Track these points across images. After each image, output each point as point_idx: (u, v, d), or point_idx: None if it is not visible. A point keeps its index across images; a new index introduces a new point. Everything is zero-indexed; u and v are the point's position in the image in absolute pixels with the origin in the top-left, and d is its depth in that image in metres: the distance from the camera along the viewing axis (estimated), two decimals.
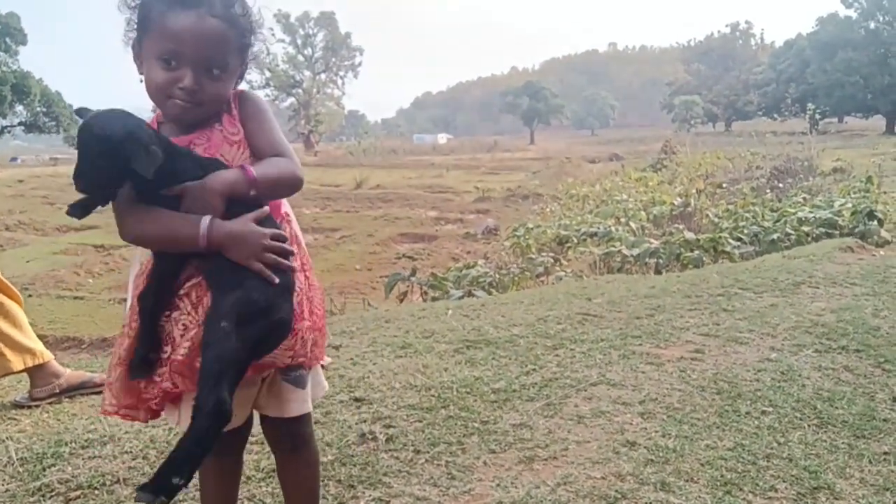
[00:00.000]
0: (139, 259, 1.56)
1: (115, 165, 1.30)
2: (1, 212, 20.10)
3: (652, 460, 2.31)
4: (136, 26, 1.47)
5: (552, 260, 8.14)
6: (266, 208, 1.45)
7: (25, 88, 48.17)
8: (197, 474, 1.45)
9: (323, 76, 69.48)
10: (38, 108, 50.98)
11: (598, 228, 9.82)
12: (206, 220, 1.38)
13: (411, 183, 26.65)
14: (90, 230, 18.17)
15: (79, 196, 1.38)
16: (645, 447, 2.40)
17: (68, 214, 1.41)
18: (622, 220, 11.17)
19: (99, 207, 1.42)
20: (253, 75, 1.56)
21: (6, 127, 52.31)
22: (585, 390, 2.93)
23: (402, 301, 6.94)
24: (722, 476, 2.22)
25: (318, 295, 1.58)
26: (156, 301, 1.43)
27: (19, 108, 49.92)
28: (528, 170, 33.20)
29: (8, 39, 47.31)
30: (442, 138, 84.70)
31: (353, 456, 2.37)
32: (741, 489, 2.15)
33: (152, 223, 1.41)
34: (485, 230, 16.96)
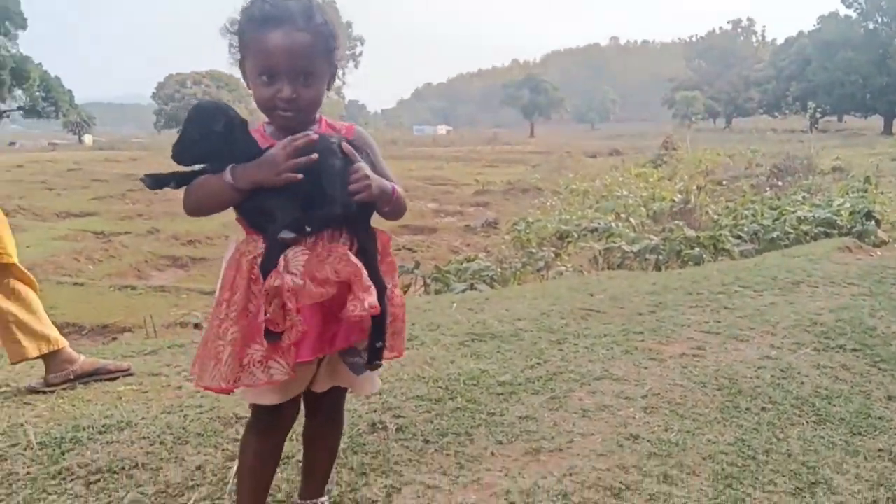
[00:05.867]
0: (234, 241, 1.67)
1: (217, 139, 1.52)
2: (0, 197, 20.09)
3: (655, 453, 2.37)
4: (238, 50, 1.63)
5: (553, 254, 8.19)
6: (288, 138, 1.55)
7: (25, 73, 47.91)
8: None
9: None
10: (38, 93, 50.75)
11: (599, 224, 9.89)
12: (228, 167, 1.55)
13: (411, 174, 26.61)
14: (90, 217, 18.20)
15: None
16: (648, 441, 2.46)
17: (141, 180, 1.60)
18: (622, 215, 11.23)
19: (168, 189, 1.62)
20: None
21: (4, 111, 52.09)
22: (589, 384, 2.99)
23: (405, 293, 6.98)
24: (723, 470, 2.28)
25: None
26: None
27: (18, 92, 49.66)
28: (528, 163, 33.23)
29: (7, 23, 47.00)
30: (442, 130, 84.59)
31: (364, 445, 2.42)
32: (741, 483, 2.21)
33: (195, 191, 1.60)
34: (483, 223, 17.01)
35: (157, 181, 1.59)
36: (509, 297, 4.80)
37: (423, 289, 7.24)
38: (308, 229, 1.58)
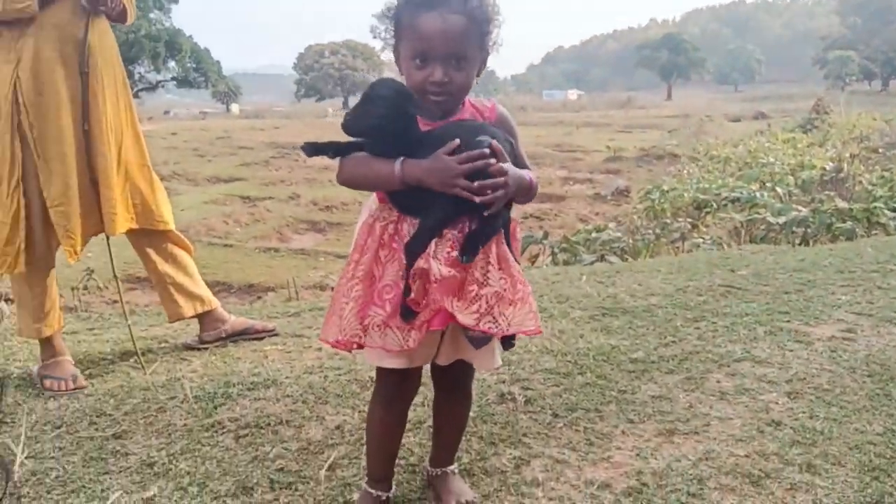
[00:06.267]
0: (367, 207, 1.73)
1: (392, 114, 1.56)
2: (157, 162, 21.49)
3: (798, 441, 2.26)
4: (393, 35, 1.68)
5: (689, 226, 7.88)
6: (457, 140, 1.55)
7: (177, 45, 50.85)
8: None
9: None
10: (189, 64, 53.84)
11: (741, 193, 9.35)
12: (399, 159, 1.57)
13: (540, 141, 26.23)
14: (238, 182, 19.28)
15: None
16: (791, 427, 2.35)
17: (301, 148, 1.68)
18: (767, 184, 10.60)
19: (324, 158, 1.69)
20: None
21: (160, 82, 55.75)
22: (728, 366, 2.88)
23: (533, 263, 6.97)
24: (870, 461, 2.15)
25: (512, 266, 1.65)
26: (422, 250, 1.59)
27: (171, 63, 52.85)
28: (663, 128, 31.91)
29: None
30: (573, 94, 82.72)
31: (493, 415, 2.46)
32: (889, 475, 2.07)
33: (356, 166, 1.65)
34: (614, 191, 16.57)
35: (315, 149, 1.65)
36: (641, 271, 4.68)
37: (550, 259, 7.19)
38: (480, 248, 1.59)
